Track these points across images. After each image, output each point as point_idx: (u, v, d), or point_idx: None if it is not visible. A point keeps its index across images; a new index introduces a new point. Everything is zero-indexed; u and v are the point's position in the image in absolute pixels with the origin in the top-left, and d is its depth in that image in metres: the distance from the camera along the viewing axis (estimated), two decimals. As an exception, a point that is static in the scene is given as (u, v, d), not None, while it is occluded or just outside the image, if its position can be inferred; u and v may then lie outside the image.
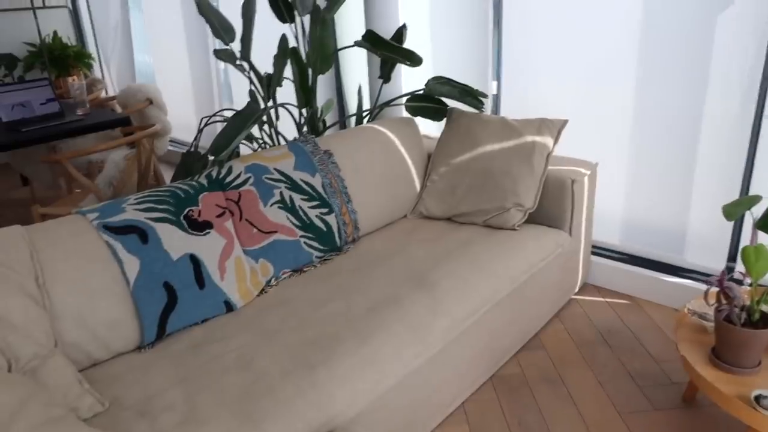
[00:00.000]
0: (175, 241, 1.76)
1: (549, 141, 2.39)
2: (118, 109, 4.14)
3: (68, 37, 5.90)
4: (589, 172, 2.45)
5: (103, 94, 4.98)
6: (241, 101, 4.58)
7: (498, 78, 2.99)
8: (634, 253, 2.73)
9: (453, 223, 2.43)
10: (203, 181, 1.97)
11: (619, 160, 2.64)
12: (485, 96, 2.58)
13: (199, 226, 1.83)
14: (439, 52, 3.19)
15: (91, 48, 6.07)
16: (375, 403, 1.60)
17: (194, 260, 1.78)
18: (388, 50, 2.52)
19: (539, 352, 2.30)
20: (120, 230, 1.69)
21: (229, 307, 1.84)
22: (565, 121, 2.42)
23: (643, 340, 2.35)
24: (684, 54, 2.33)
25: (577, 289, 2.67)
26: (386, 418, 1.65)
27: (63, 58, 5.58)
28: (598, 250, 2.82)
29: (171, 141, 5.56)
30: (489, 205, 2.35)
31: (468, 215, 2.40)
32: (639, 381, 2.11)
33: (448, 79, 2.58)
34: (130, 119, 3.37)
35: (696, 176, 2.43)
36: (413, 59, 2.51)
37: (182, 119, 5.31)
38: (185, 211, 1.83)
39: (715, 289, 2.21)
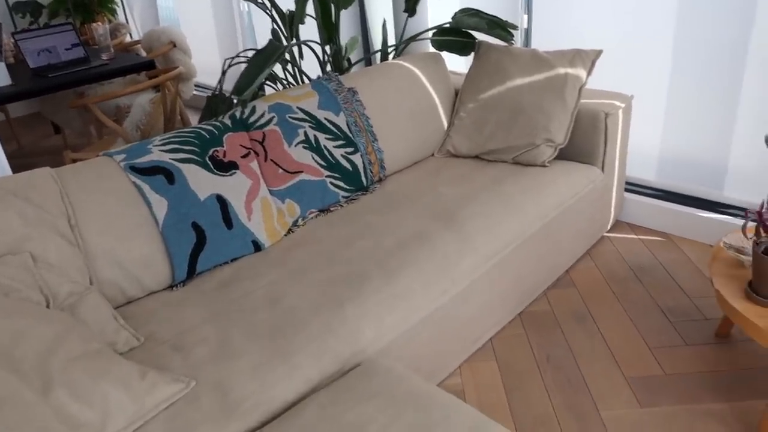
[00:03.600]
0: (201, 182, 1.76)
1: (582, 73, 2.29)
2: (143, 54, 4.12)
3: (91, -18, 5.83)
4: (623, 105, 2.35)
5: (127, 39, 4.95)
6: (264, 43, 4.50)
7: (529, 10, 2.85)
8: (670, 188, 2.64)
9: (481, 161, 2.38)
10: (227, 121, 1.96)
11: (657, 94, 2.52)
12: (515, 28, 2.47)
13: (224, 167, 1.83)
14: (466, -17, 3.05)
15: (114, -7, 6.00)
16: (403, 337, 1.61)
17: (221, 200, 1.78)
18: (413, -19, 2.42)
19: (569, 290, 2.28)
20: (146, 171, 1.70)
21: (257, 246, 1.85)
22: (600, 51, 2.31)
23: (676, 276, 2.31)
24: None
25: (609, 227, 2.61)
26: (414, 352, 1.67)
27: (87, 4, 5.54)
28: (632, 187, 2.74)
29: (197, 86, 5.54)
30: (519, 142, 2.29)
31: (496, 152, 2.34)
32: (671, 317, 2.08)
33: (477, 11, 2.48)
34: (154, 63, 3.35)
35: (738, 110, 2.31)
36: (439, -10, 2.40)
37: (207, 64, 5.26)
38: (210, 152, 1.82)
39: (753, 223, 2.14)
